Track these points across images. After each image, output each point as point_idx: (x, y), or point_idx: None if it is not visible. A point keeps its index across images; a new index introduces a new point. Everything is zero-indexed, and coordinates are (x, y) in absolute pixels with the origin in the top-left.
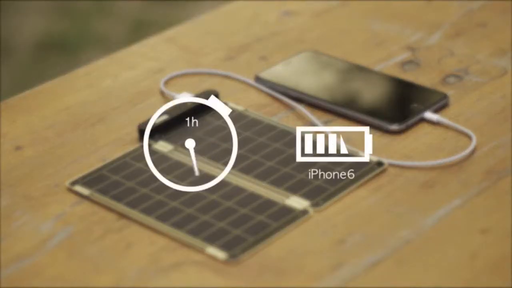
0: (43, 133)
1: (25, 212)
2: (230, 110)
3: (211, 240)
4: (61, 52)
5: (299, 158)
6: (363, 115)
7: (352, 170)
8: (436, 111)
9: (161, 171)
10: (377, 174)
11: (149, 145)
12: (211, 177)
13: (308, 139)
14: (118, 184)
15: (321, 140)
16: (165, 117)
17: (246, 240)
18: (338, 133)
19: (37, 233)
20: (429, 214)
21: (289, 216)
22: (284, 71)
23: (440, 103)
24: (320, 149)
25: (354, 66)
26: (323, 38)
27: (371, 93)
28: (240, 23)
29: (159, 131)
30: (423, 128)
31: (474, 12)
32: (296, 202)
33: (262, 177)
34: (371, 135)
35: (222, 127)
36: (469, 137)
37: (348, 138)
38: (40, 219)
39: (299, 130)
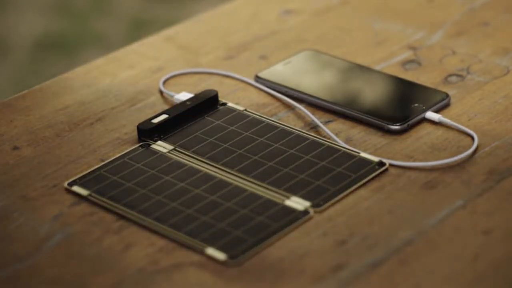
0: (41, 133)
1: (23, 213)
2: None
3: (211, 241)
4: (60, 51)
5: (299, 158)
6: (364, 115)
7: (353, 170)
8: (437, 111)
9: (160, 171)
10: (378, 175)
11: (149, 145)
12: (211, 177)
13: (308, 139)
14: (117, 185)
15: (321, 140)
16: (164, 117)
17: (246, 241)
18: (339, 133)
19: (35, 234)
20: (431, 214)
21: (290, 217)
22: (284, 71)
23: (442, 102)
24: (321, 149)
25: (354, 66)
26: (323, 37)
27: (372, 92)
28: (240, 22)
29: (158, 131)
30: (425, 128)
31: (476, 11)
32: (297, 202)
33: (262, 177)
34: (372, 135)
35: (222, 127)
36: (471, 137)
37: (349, 138)
38: (38, 220)
39: (299, 130)
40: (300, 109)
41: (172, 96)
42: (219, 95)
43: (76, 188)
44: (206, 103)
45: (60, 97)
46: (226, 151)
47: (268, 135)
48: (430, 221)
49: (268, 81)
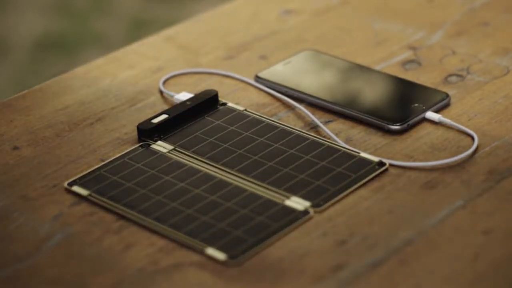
0: (41, 133)
1: (23, 213)
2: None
3: (211, 241)
4: (60, 51)
5: (299, 158)
6: (364, 115)
7: (353, 170)
8: (437, 110)
9: (160, 171)
10: (378, 175)
11: (149, 145)
12: (211, 177)
13: (308, 139)
14: (116, 185)
15: (321, 140)
16: (164, 116)
17: (246, 241)
18: (339, 133)
19: (35, 234)
20: (431, 215)
21: (290, 217)
22: (284, 71)
23: (442, 102)
24: (321, 149)
25: (354, 66)
26: (323, 37)
27: (372, 92)
28: (240, 22)
29: (158, 131)
30: (425, 128)
31: (476, 11)
32: (297, 202)
33: (262, 177)
34: (372, 135)
35: (222, 127)
36: (471, 137)
37: (349, 138)
38: (38, 220)
39: (299, 130)
40: (300, 109)
41: (172, 96)
42: (219, 95)
43: (76, 188)
44: (206, 103)
45: (60, 97)
46: (226, 151)
47: (268, 135)
48: (430, 221)
49: (268, 81)
